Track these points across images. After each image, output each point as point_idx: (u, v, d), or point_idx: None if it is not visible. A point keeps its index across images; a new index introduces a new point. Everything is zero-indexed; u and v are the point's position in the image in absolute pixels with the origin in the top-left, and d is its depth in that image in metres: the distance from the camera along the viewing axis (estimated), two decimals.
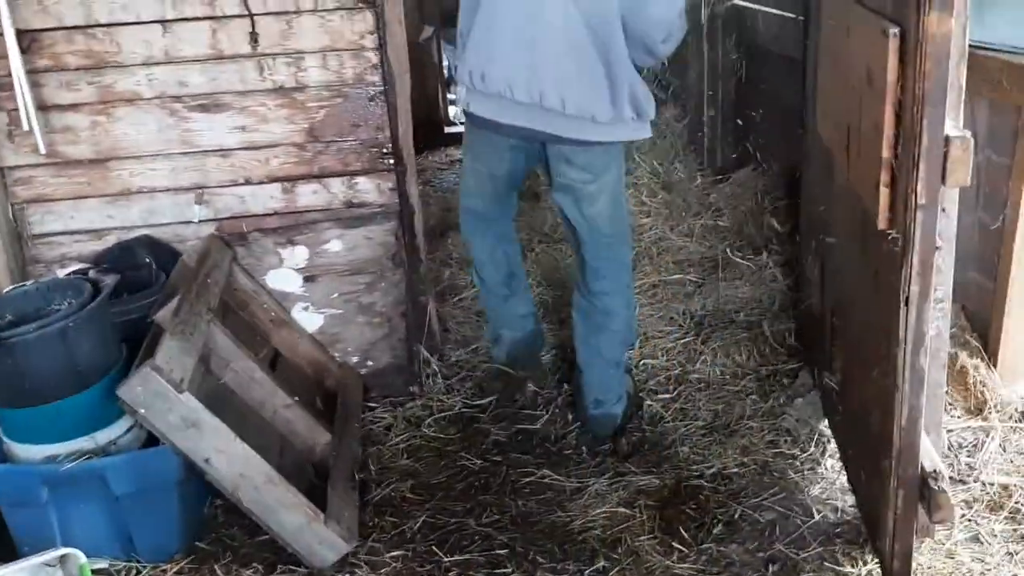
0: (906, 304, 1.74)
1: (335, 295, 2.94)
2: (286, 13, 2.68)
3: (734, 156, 4.34)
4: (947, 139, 1.63)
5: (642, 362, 3.04)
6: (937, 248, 1.70)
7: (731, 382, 2.87)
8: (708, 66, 4.31)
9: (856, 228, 2.13)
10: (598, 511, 2.36)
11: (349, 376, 2.98)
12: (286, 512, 2.17)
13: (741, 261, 3.42)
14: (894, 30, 1.68)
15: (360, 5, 2.70)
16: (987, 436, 2.50)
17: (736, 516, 2.30)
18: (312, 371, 2.95)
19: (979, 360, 2.63)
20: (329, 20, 2.70)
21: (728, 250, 3.57)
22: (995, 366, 2.69)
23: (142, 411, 2.05)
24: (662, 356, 3.05)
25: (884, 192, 1.77)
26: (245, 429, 2.31)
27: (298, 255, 2.89)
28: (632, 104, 2.42)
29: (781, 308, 3.20)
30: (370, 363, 3.02)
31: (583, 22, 2.31)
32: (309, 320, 2.95)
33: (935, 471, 1.85)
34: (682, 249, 3.65)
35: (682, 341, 3.11)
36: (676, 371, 2.97)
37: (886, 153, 1.75)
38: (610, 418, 2.73)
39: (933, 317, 1.78)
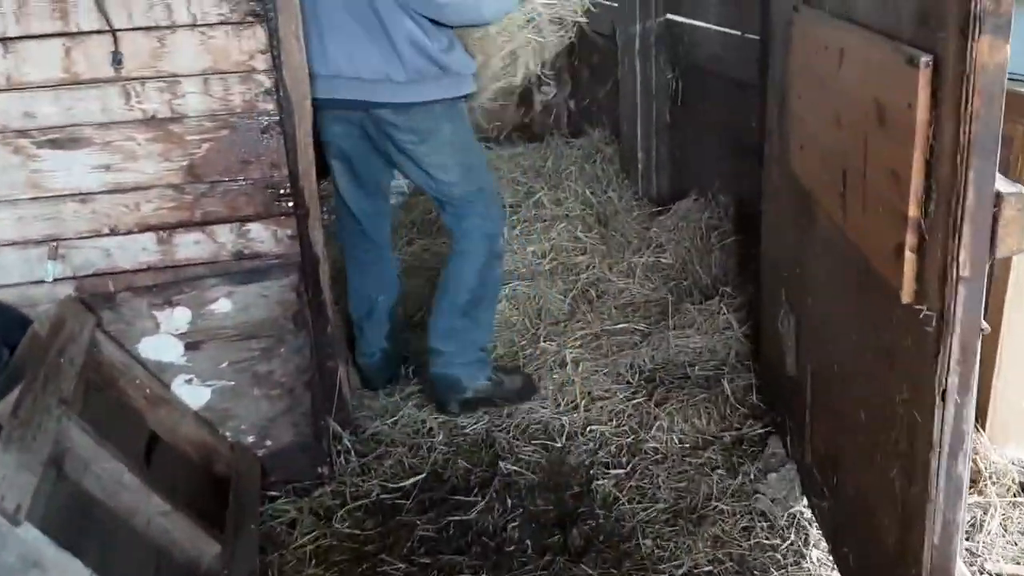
0: (942, 398, 1.41)
1: (225, 364, 2.48)
2: (157, 28, 2.23)
3: (672, 184, 4.04)
4: (998, 195, 1.31)
5: (588, 428, 2.67)
6: (982, 331, 1.37)
7: (692, 453, 2.53)
8: (641, 85, 4.00)
9: (852, 288, 1.81)
10: None
11: (244, 460, 2.51)
12: None
13: (691, 307, 3.09)
14: (925, 58, 1.35)
15: (249, 18, 2.26)
16: (985, 514, 2.22)
17: None
18: (198, 456, 2.47)
19: None
20: (211, 37, 2.26)
21: (675, 293, 3.25)
22: (983, 428, 2.42)
23: None
24: (611, 421, 2.69)
25: (909, 259, 1.44)
26: (111, 548, 1.87)
27: (178, 318, 2.42)
28: (424, 58, 2.50)
29: (739, 360, 2.89)
30: (269, 443, 2.57)
31: None
32: (193, 395, 2.48)
33: None
34: (624, 292, 3.32)
35: (633, 402, 2.75)
36: (628, 439, 2.61)
37: (912, 211, 1.42)
38: (448, 380, 2.80)
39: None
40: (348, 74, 2.53)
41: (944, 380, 1.40)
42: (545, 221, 3.78)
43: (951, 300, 1.35)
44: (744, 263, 3.27)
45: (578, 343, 3.05)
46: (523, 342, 3.12)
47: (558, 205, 3.99)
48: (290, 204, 2.42)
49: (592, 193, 4.05)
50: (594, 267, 3.48)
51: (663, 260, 3.48)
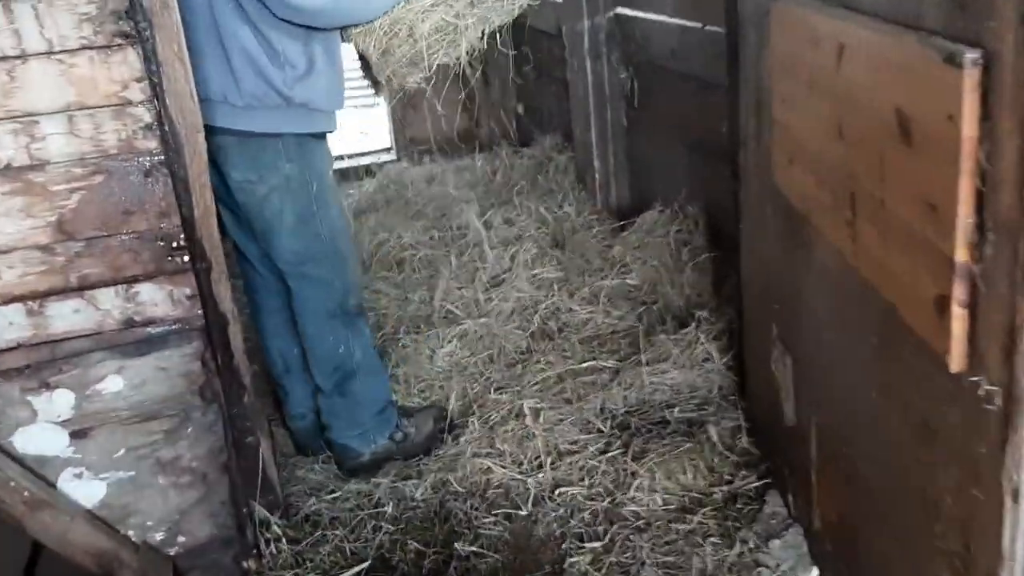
0: (1015, 499, 1.08)
1: (121, 452, 2.10)
2: (4, 59, 1.84)
3: (633, 194, 3.72)
4: None
5: (557, 491, 2.33)
6: None
7: (680, 517, 2.20)
8: (593, 87, 3.67)
9: (869, 336, 1.48)
10: None
11: (153, 563, 2.14)
12: None
13: (665, 337, 2.75)
14: (972, 55, 1.02)
15: (117, 41, 1.89)
16: None
17: None
18: (95, 564, 2.09)
19: None
20: (73, 65, 1.88)
21: (645, 320, 2.91)
22: None
23: None
24: (583, 480, 2.35)
25: (959, 316, 1.11)
26: None
27: (59, 403, 2.04)
28: (262, 81, 2.17)
29: (723, 396, 2.57)
30: (183, 539, 2.19)
31: None
32: (85, 492, 2.10)
33: None
34: (588, 323, 2.97)
35: (607, 455, 2.42)
36: (604, 502, 2.27)
37: (960, 254, 1.09)
38: (341, 448, 2.55)
39: None
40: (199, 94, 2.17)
41: (1018, 477, 1.07)
42: (495, 246, 3.42)
43: (1023, 374, 1.03)
44: (720, 282, 2.95)
45: (538, 387, 2.70)
46: (476, 388, 2.76)
47: (510, 225, 3.64)
48: (185, 258, 2.04)
49: (546, 209, 3.70)
50: (553, 295, 3.14)
51: (629, 282, 3.15)
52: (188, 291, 2.08)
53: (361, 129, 5.94)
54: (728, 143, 2.41)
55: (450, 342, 2.95)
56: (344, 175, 5.41)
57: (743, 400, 2.50)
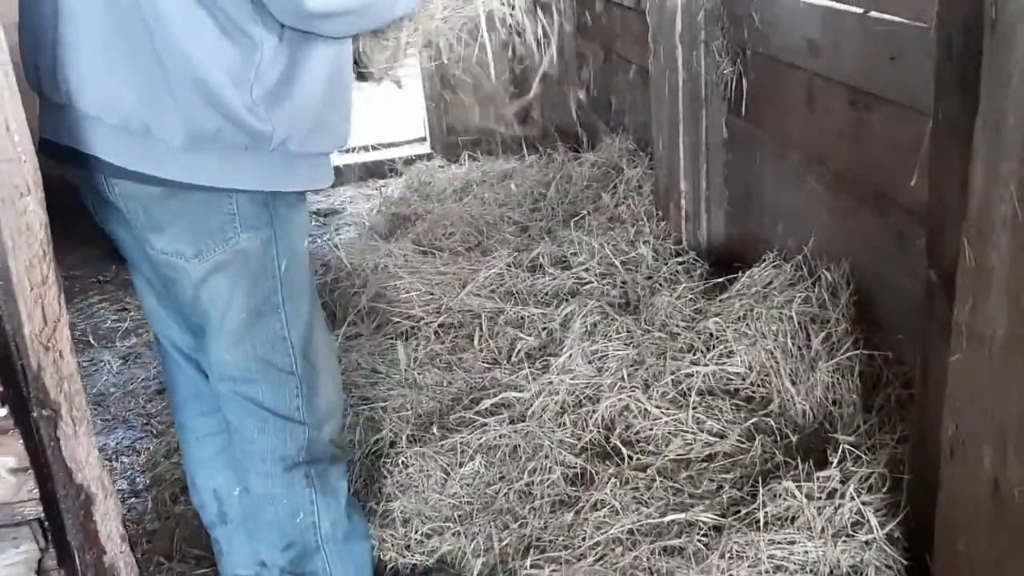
0: None
1: None
2: None
3: (731, 233, 2.81)
4: None
5: None
6: None
7: None
8: (685, 84, 2.75)
9: None
10: None
11: None
12: None
13: (788, 482, 1.87)
14: None
15: None
16: None
17: None
18: None
19: None
20: None
21: (757, 441, 2.03)
22: None
23: None
24: None
25: None
26: None
27: None
28: (216, 111, 1.35)
29: None
30: None
31: None
32: None
33: None
34: (669, 439, 2.10)
35: None
36: None
37: None
38: None
39: None
40: (83, 107, 1.37)
41: None
42: (541, 304, 2.54)
43: None
44: (872, 388, 2.05)
45: (597, 555, 1.83)
46: (506, 541, 1.91)
47: (563, 269, 2.75)
48: (1, 411, 1.21)
49: (614, 248, 2.80)
50: (621, 387, 2.25)
51: (730, 371, 2.25)
52: (12, 461, 1.25)
53: (388, 114, 5.06)
54: (927, 199, 1.50)
55: (472, 458, 2.10)
56: (366, 170, 4.59)
57: None
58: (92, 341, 3.09)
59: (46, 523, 1.29)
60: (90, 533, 1.35)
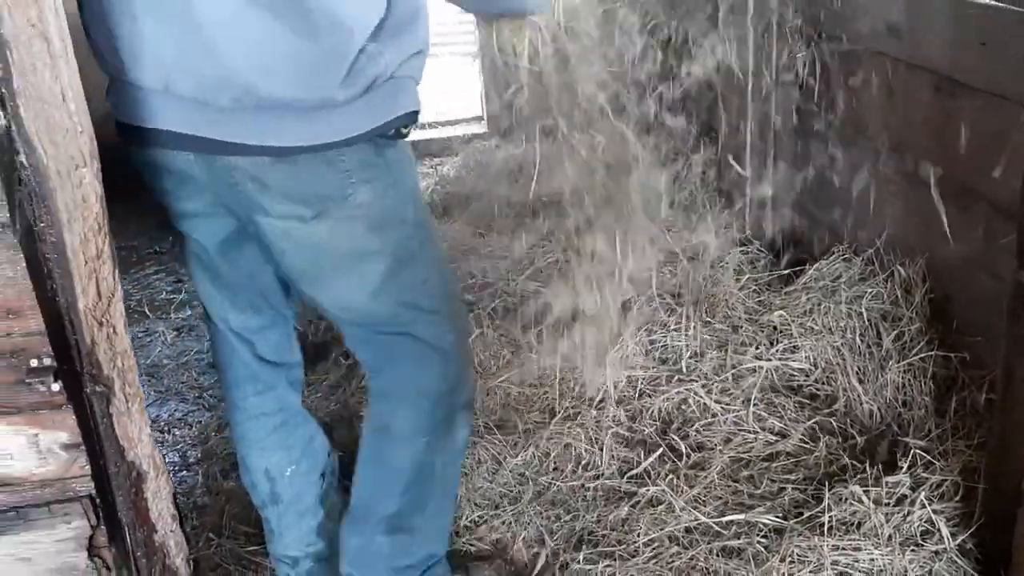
0: None
1: None
2: None
3: (798, 226, 2.72)
4: None
5: None
6: None
7: None
8: (756, 68, 2.66)
9: None
10: None
11: None
12: None
13: (855, 487, 1.80)
14: None
15: None
16: None
17: None
18: None
19: None
20: None
21: (821, 443, 1.97)
22: None
23: None
24: None
25: None
26: None
27: None
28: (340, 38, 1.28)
29: None
30: None
31: None
32: None
33: None
34: (732, 439, 2.03)
35: None
36: None
37: None
38: None
39: None
40: (186, 90, 1.31)
41: None
42: (593, 286, 2.48)
43: None
44: (946, 392, 1.96)
45: (652, 554, 1.78)
46: (558, 535, 1.88)
47: (622, 256, 2.68)
48: (53, 386, 1.19)
49: (674, 234, 2.73)
50: (680, 380, 2.19)
51: (793, 367, 2.18)
52: (65, 436, 1.23)
53: (445, 92, 5.00)
54: (1016, 194, 1.42)
55: (526, 448, 2.05)
56: (421, 149, 4.54)
57: None
58: (147, 312, 3.10)
59: (97, 500, 1.27)
60: (141, 511, 1.34)
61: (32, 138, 1.12)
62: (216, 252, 1.57)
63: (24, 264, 1.13)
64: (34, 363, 1.18)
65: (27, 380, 1.19)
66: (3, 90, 1.09)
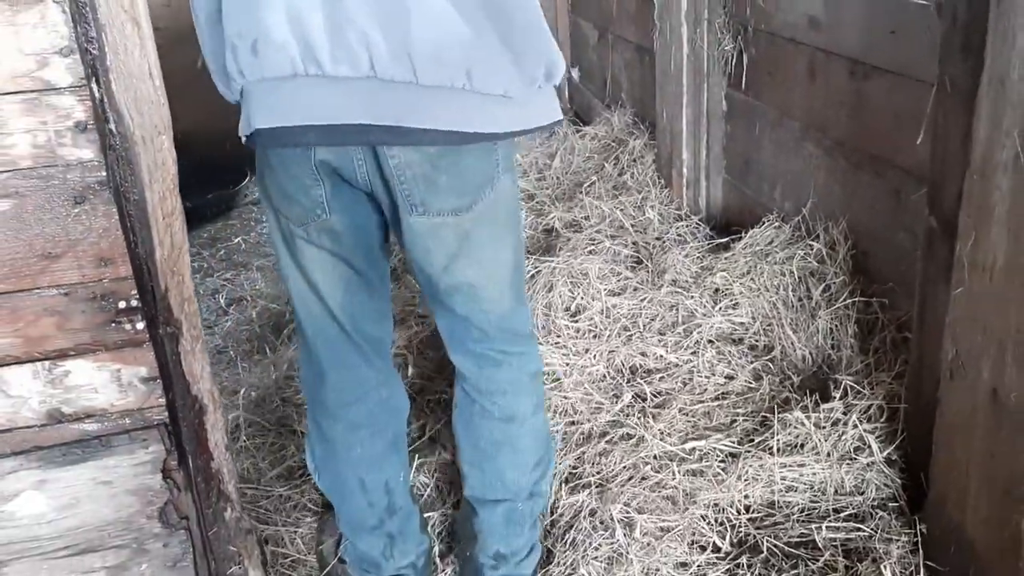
0: None
1: None
2: None
3: (729, 199, 3.02)
4: None
5: None
6: None
7: None
8: (689, 60, 2.95)
9: None
10: None
11: None
12: None
13: (798, 413, 2.09)
14: None
15: None
16: None
17: None
18: None
19: None
20: None
21: (765, 382, 2.25)
22: None
23: None
24: None
25: None
26: None
27: None
28: (541, 40, 1.39)
29: (886, 508, 1.91)
30: None
31: None
32: None
33: None
34: (687, 381, 2.30)
35: None
36: None
37: None
38: None
39: None
40: (346, 72, 1.35)
41: None
42: (563, 255, 2.72)
43: None
44: (869, 334, 2.27)
45: (629, 477, 2.04)
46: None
47: (576, 232, 2.95)
48: (139, 324, 1.38)
49: (623, 212, 3.00)
50: (638, 336, 2.46)
51: (736, 322, 2.47)
52: (144, 371, 1.42)
53: None
54: (928, 160, 1.72)
55: None
56: None
57: (921, 517, 1.84)
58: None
59: (169, 427, 1.46)
60: (202, 440, 1.52)
61: (121, 108, 1.31)
62: (356, 247, 1.59)
63: (117, 217, 1.32)
64: (122, 305, 1.36)
65: (114, 321, 1.37)
66: (98, 67, 1.28)
